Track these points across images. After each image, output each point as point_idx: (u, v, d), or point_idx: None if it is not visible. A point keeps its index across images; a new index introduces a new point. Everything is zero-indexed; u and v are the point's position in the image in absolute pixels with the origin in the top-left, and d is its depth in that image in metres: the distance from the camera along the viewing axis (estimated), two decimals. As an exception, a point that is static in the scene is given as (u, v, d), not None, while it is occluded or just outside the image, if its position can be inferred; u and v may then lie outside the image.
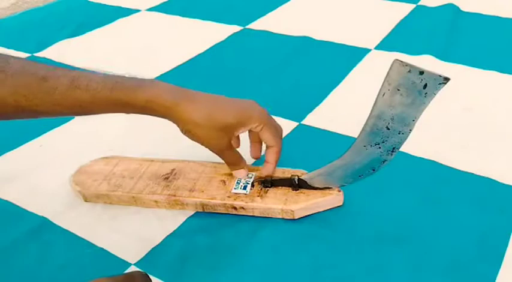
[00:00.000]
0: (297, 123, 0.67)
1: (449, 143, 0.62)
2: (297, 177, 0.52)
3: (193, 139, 0.50)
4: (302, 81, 0.78)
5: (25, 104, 0.45)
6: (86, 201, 0.55)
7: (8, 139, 0.66)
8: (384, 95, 0.40)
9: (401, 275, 0.45)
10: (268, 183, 0.54)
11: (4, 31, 1.03)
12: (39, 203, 0.55)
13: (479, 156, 0.59)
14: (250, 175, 0.54)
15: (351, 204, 0.53)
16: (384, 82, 0.39)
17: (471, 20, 0.96)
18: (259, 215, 0.52)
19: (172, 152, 0.60)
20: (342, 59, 0.84)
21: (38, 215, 0.54)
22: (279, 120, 0.67)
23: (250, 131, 0.54)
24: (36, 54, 0.91)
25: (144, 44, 0.94)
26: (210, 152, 0.51)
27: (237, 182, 0.54)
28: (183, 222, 0.52)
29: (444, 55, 0.82)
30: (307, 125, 0.67)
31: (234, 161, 0.53)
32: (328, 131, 0.65)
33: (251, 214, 0.52)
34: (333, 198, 0.52)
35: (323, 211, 0.52)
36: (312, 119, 0.68)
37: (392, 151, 0.44)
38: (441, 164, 0.58)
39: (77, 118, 0.67)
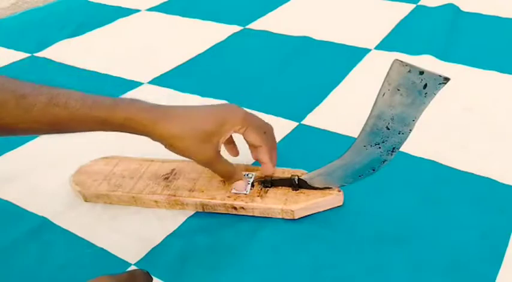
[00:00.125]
0: (297, 123, 0.67)
1: (449, 143, 0.62)
2: (297, 177, 0.52)
3: (179, 154, 0.49)
4: (302, 81, 0.78)
5: (1, 121, 0.45)
6: (86, 201, 0.55)
7: (8, 139, 0.66)
8: (383, 95, 0.40)
9: (401, 275, 0.45)
10: (268, 183, 0.54)
11: (4, 31, 1.04)
12: (39, 203, 0.55)
13: (479, 156, 0.59)
14: (250, 175, 0.54)
15: (351, 204, 0.53)
16: (383, 82, 0.39)
17: (471, 20, 0.96)
18: (259, 215, 0.52)
19: (172, 152, 0.60)
20: (342, 59, 0.84)
21: (38, 215, 0.54)
22: (279, 120, 0.68)
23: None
24: (36, 54, 0.91)
25: (144, 44, 0.94)
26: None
27: (237, 182, 0.54)
28: (183, 222, 0.52)
29: (444, 55, 0.82)
30: (307, 125, 0.67)
31: (226, 172, 0.52)
32: (328, 131, 0.65)
33: (251, 214, 0.52)
34: (333, 198, 0.52)
35: (323, 211, 0.52)
36: (312, 119, 0.68)
37: (392, 151, 0.44)
38: (441, 164, 0.58)
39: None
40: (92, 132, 0.48)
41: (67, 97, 0.46)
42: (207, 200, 0.52)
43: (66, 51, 0.92)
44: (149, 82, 0.80)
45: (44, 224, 0.53)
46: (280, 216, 0.52)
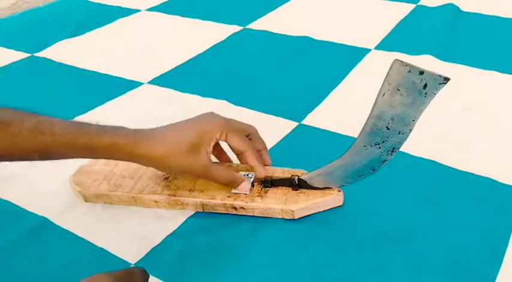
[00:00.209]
0: (297, 123, 0.67)
1: (449, 143, 0.62)
2: (297, 177, 0.52)
3: (176, 171, 0.49)
4: (302, 81, 0.78)
5: None
6: (86, 201, 0.55)
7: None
8: (383, 95, 0.40)
9: (401, 275, 0.45)
10: (268, 183, 0.54)
11: (4, 31, 1.03)
12: (39, 203, 0.55)
13: (479, 156, 0.59)
14: (250, 175, 0.54)
15: (351, 204, 0.53)
16: (383, 82, 0.39)
17: (471, 20, 0.96)
18: (259, 215, 0.52)
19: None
20: (342, 59, 0.84)
21: (38, 215, 0.54)
22: (279, 120, 0.68)
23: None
24: (36, 54, 0.91)
25: (144, 44, 0.94)
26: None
27: (237, 182, 0.54)
28: (183, 222, 0.52)
29: (444, 55, 0.82)
30: (307, 125, 0.67)
31: (226, 178, 0.52)
32: (328, 131, 0.65)
33: (251, 214, 0.52)
34: (333, 198, 0.52)
35: (323, 211, 0.52)
36: (312, 119, 0.68)
37: (392, 151, 0.44)
38: (441, 164, 0.58)
39: (77, 118, 0.67)
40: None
41: (52, 125, 0.46)
42: (207, 200, 0.52)
43: (66, 51, 0.92)
44: (149, 82, 0.80)
45: (44, 224, 0.53)
46: (280, 216, 0.52)
